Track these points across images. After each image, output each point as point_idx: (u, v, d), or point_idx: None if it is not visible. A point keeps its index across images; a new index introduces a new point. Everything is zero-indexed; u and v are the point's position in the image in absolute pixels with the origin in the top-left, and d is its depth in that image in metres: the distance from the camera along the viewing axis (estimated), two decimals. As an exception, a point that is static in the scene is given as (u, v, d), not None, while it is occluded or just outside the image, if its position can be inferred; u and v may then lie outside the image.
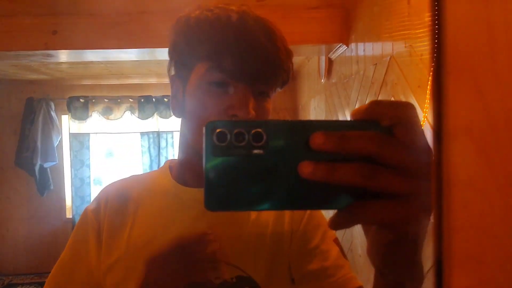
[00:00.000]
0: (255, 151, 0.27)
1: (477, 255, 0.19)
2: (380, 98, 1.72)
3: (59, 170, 4.33)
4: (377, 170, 0.26)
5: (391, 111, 0.27)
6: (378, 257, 0.31)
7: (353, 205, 0.27)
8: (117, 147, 4.58)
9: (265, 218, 0.66)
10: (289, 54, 0.61)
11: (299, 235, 0.65)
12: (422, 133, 0.28)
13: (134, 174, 0.75)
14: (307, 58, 3.36)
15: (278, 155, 0.27)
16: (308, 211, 0.67)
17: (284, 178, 0.27)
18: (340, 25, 2.18)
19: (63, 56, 2.35)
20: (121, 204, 0.67)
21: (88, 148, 4.40)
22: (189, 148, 0.64)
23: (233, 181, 0.27)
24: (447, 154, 0.20)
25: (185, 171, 0.67)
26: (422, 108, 1.29)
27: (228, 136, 0.26)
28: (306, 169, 0.26)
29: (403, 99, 1.47)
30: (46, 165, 4.13)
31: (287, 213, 0.66)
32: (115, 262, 0.62)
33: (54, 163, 4.19)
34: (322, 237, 0.65)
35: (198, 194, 0.64)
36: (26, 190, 4.28)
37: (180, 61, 0.62)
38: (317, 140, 0.26)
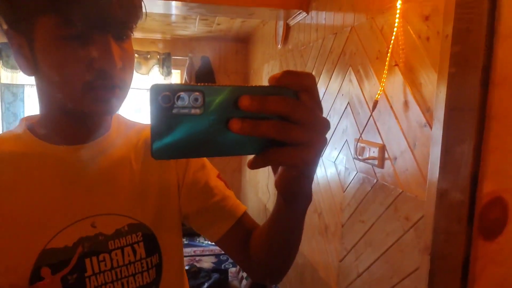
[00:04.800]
0: (194, 111, 0.32)
1: None
2: (338, 67, 1.80)
3: None
4: (288, 126, 0.34)
5: (298, 80, 0.35)
6: (284, 188, 0.43)
7: (269, 151, 0.35)
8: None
9: (151, 169, 0.70)
10: None
11: (187, 181, 0.72)
12: (319, 98, 0.37)
13: None
14: (263, 22, 3.34)
15: (213, 114, 0.33)
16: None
17: (217, 132, 0.34)
18: (301, -9, 2.20)
19: None
20: None
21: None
22: (53, 104, 0.61)
23: (177, 134, 0.33)
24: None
25: (52, 128, 0.63)
26: (379, 79, 1.39)
27: (172, 98, 0.32)
28: (235, 125, 0.33)
29: (361, 69, 1.56)
30: None
31: (172, 163, 0.72)
32: None
33: None
34: (208, 176, 0.74)
35: (71, 152, 0.63)
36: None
37: (14, 14, 0.55)
38: (244, 102, 0.33)
